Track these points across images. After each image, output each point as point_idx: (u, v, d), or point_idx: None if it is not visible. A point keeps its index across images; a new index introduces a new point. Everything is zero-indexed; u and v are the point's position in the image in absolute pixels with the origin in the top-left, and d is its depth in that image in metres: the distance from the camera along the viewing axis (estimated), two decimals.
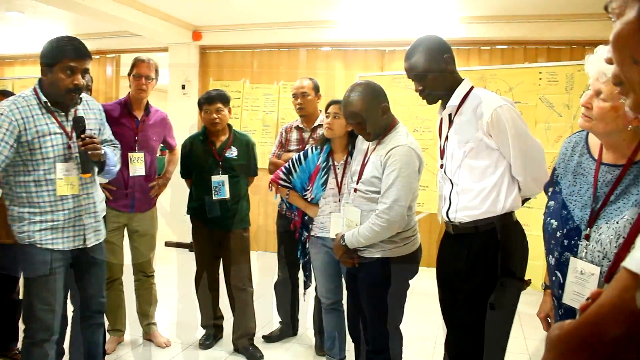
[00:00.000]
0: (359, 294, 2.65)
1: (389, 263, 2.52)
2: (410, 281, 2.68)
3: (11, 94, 3.62)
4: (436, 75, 2.22)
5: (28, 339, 2.46)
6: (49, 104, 2.44)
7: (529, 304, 4.75)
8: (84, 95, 2.63)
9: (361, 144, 2.74)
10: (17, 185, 2.40)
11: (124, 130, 3.48)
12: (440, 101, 2.33)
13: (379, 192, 2.49)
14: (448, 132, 2.27)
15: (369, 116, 2.50)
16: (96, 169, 2.60)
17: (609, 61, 0.82)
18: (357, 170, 2.62)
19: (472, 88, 2.24)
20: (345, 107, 2.56)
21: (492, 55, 5.94)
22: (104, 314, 2.77)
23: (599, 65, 1.56)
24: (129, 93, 3.60)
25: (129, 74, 3.57)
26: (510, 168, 2.14)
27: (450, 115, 2.27)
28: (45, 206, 2.42)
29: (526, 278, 2.30)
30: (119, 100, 3.64)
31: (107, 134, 2.79)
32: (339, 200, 2.95)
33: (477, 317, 2.18)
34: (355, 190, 2.59)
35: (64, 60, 2.37)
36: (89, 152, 2.44)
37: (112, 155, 2.65)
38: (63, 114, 2.49)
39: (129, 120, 3.54)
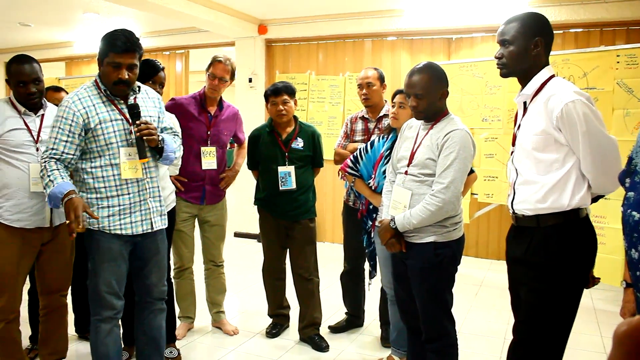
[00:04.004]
0: (408, 281, 2.63)
1: (441, 247, 2.49)
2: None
3: (62, 89, 3.81)
4: (517, 50, 2.16)
5: (95, 316, 2.58)
6: (108, 92, 2.53)
7: (606, 300, 4.61)
8: (142, 85, 2.70)
9: (408, 131, 2.72)
10: (84, 172, 2.51)
11: (197, 124, 3.58)
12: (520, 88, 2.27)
13: (431, 175, 2.49)
14: (521, 120, 2.21)
15: (428, 93, 2.50)
16: (157, 155, 2.66)
17: None
18: (406, 156, 2.61)
19: (552, 77, 2.16)
20: (408, 77, 2.55)
21: (565, 40, 5.67)
22: (165, 301, 2.81)
23: None
24: (204, 87, 3.67)
25: (206, 69, 3.63)
26: (579, 164, 2.06)
27: (525, 102, 2.21)
28: (111, 191, 2.50)
29: (599, 274, 2.20)
30: (193, 95, 3.70)
31: (167, 122, 2.84)
32: None
33: (536, 312, 2.14)
34: (406, 173, 2.58)
35: (110, 55, 2.45)
36: (145, 138, 2.51)
37: (171, 141, 2.70)
38: (122, 101, 2.57)
39: (203, 115, 3.62)
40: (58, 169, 2.42)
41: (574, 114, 1.99)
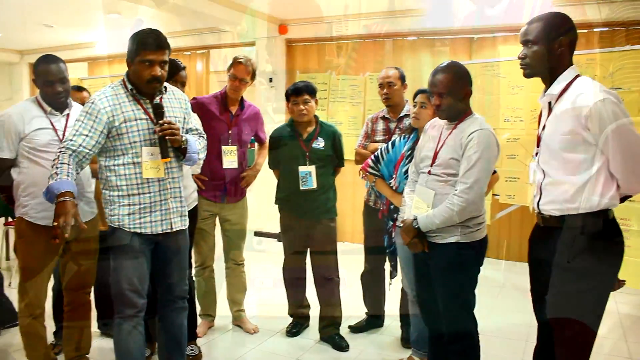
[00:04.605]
0: (431, 281, 2.61)
1: (464, 247, 2.48)
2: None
3: (84, 89, 3.86)
4: (541, 50, 2.14)
5: (118, 314, 2.60)
6: (134, 92, 2.56)
7: (630, 304, 4.54)
8: (169, 85, 2.72)
9: (431, 130, 2.71)
10: (107, 170, 2.53)
11: (218, 124, 3.60)
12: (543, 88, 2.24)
13: (454, 175, 2.47)
14: (546, 120, 2.18)
15: (451, 92, 2.48)
16: (180, 156, 2.66)
17: None
18: (430, 156, 2.60)
19: (577, 77, 2.14)
20: (432, 76, 2.55)
21: (589, 39, 5.58)
22: (187, 300, 2.84)
23: None
24: (226, 87, 3.69)
25: (228, 70, 3.65)
26: (608, 164, 2.04)
27: (550, 103, 2.19)
28: (132, 189, 2.52)
29: (624, 277, 2.17)
30: (215, 94, 3.73)
31: (193, 123, 2.85)
32: None
33: (562, 315, 2.11)
34: (429, 172, 2.56)
35: (142, 53, 2.47)
36: (167, 138, 2.53)
37: (194, 142, 2.70)
38: (148, 101, 2.59)
39: (224, 114, 3.64)
40: (68, 164, 2.37)
41: (604, 113, 1.97)
